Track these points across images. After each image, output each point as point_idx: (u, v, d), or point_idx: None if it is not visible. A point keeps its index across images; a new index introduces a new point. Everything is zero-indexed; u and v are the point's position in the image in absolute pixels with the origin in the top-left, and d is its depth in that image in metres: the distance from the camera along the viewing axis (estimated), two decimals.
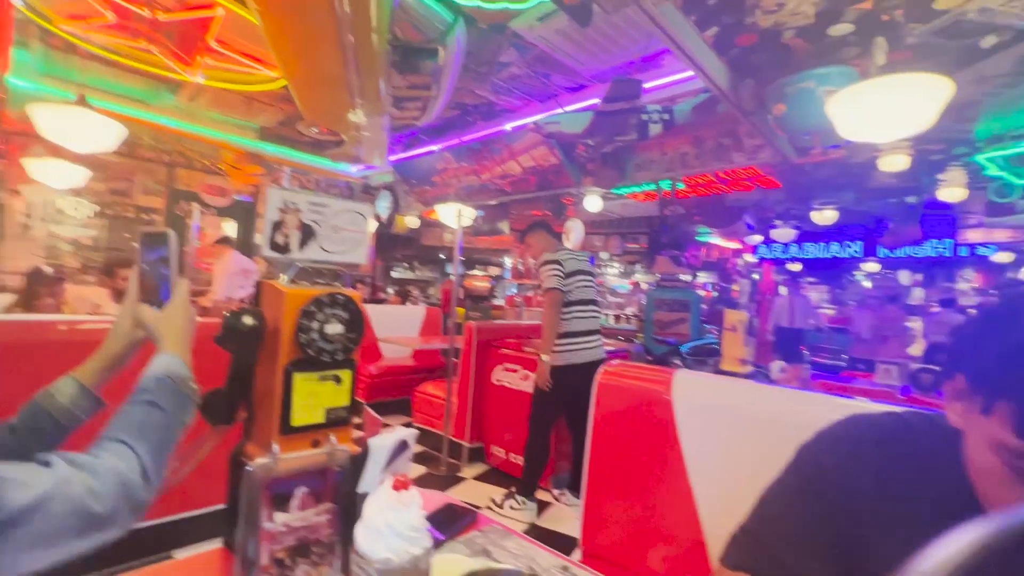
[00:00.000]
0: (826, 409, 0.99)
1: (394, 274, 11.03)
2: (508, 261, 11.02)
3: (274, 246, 0.70)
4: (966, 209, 6.39)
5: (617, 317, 8.60)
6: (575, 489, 2.67)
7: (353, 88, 2.77)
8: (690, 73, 3.12)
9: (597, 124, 3.23)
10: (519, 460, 3.20)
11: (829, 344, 6.24)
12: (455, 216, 3.58)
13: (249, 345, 0.66)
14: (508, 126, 5.22)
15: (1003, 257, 7.71)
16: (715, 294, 9.13)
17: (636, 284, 10.58)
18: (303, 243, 0.72)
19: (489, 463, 3.41)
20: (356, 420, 0.76)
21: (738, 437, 1.20)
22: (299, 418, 0.67)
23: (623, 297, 9.76)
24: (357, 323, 0.71)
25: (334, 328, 0.67)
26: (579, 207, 6.51)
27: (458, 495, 2.92)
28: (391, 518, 0.57)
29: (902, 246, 7.80)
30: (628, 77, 2.96)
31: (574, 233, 6.18)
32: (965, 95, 2.66)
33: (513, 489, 2.80)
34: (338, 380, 0.70)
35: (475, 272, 12.19)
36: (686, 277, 8.72)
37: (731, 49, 2.60)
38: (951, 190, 4.04)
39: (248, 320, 0.65)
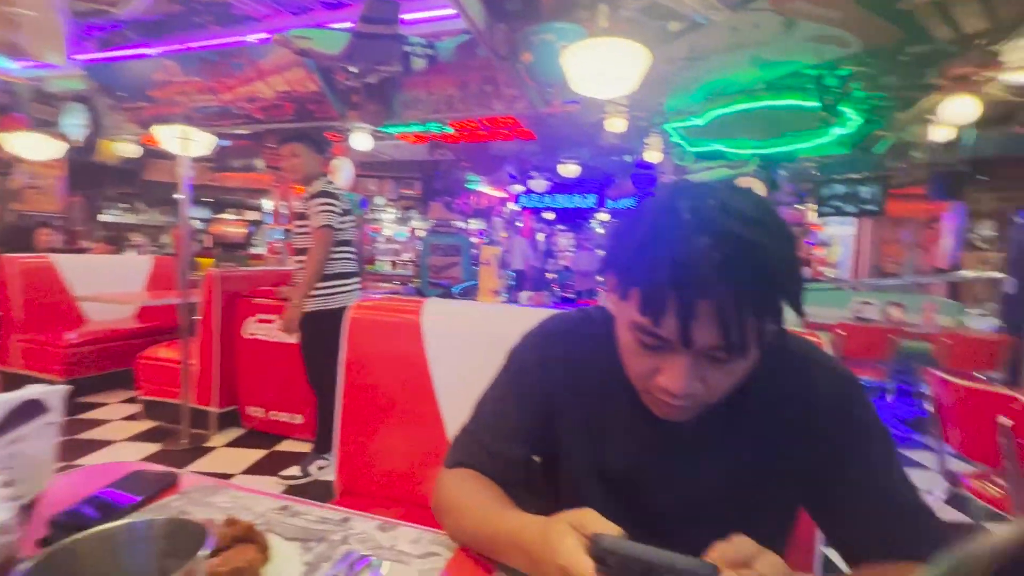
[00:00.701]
0: (545, 316, 1.12)
1: (106, 217, 8.57)
2: (268, 203, 9.67)
3: None
4: (663, 169, 8.21)
5: (394, 263, 8.52)
6: (319, 448, 2.52)
7: None
8: (451, 11, 3.09)
9: (355, 47, 2.95)
10: (283, 417, 2.95)
11: (567, 280, 7.50)
12: (180, 141, 2.89)
13: None
14: (252, 37, 4.40)
15: None
16: (487, 240, 9.82)
17: (412, 231, 10.60)
18: None
19: (245, 426, 3.05)
20: None
21: (478, 354, 1.28)
22: None
23: (400, 244, 9.69)
24: None
25: None
26: (347, 145, 6.04)
27: (208, 467, 2.55)
28: None
29: (623, 198, 9.62)
30: None
31: (342, 172, 5.73)
32: (659, 71, 3.31)
33: (311, 451, 2.56)
34: None
35: (226, 216, 10.38)
36: (459, 223, 9.14)
37: None
38: (652, 152, 5.10)
39: None
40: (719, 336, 0.48)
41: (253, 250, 9.34)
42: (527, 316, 1.28)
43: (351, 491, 1.34)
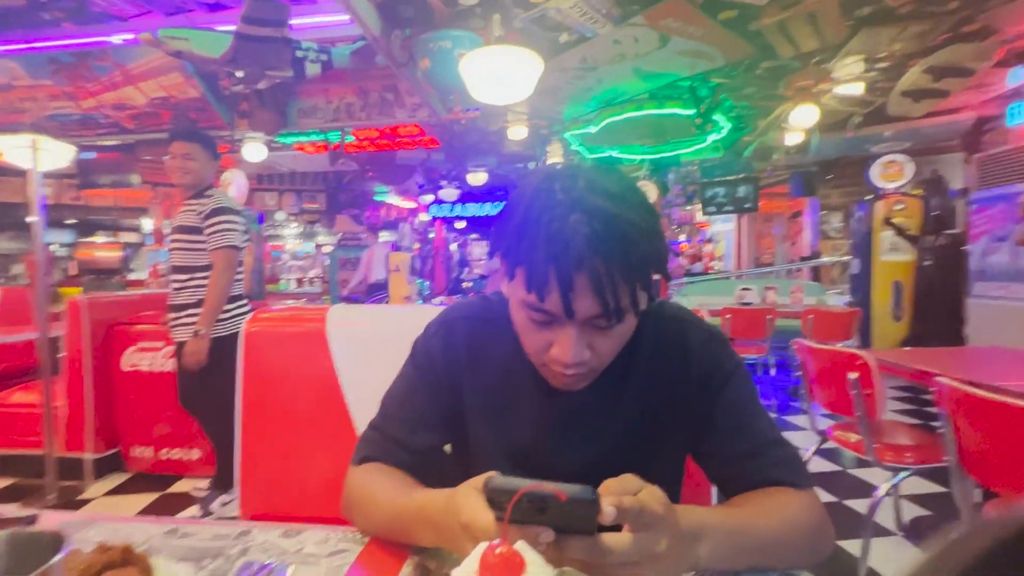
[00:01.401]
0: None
1: None
2: (148, 223, 8.70)
3: None
4: None
5: (300, 281, 8.05)
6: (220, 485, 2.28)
7: None
8: (345, 17, 3.01)
9: (239, 50, 2.77)
10: (176, 454, 2.66)
11: (481, 288, 7.56)
12: (29, 153, 2.53)
13: None
14: (116, 38, 3.97)
15: None
16: (394, 247, 9.59)
17: (319, 247, 10.08)
18: None
19: (131, 469, 2.70)
20: None
21: (389, 357, 1.27)
22: None
23: (304, 260, 9.17)
24: None
25: None
26: (238, 156, 5.63)
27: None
28: None
29: None
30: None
31: (235, 186, 5.34)
32: (554, 80, 3.49)
33: (208, 487, 2.30)
34: None
35: (96, 239, 9.17)
36: (369, 236, 8.84)
37: None
38: (553, 159, 5.33)
39: None
40: (598, 306, 0.52)
41: (132, 275, 8.34)
42: (434, 314, 1.29)
43: (253, 509, 1.25)
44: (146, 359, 2.66)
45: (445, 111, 3.94)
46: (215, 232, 2.06)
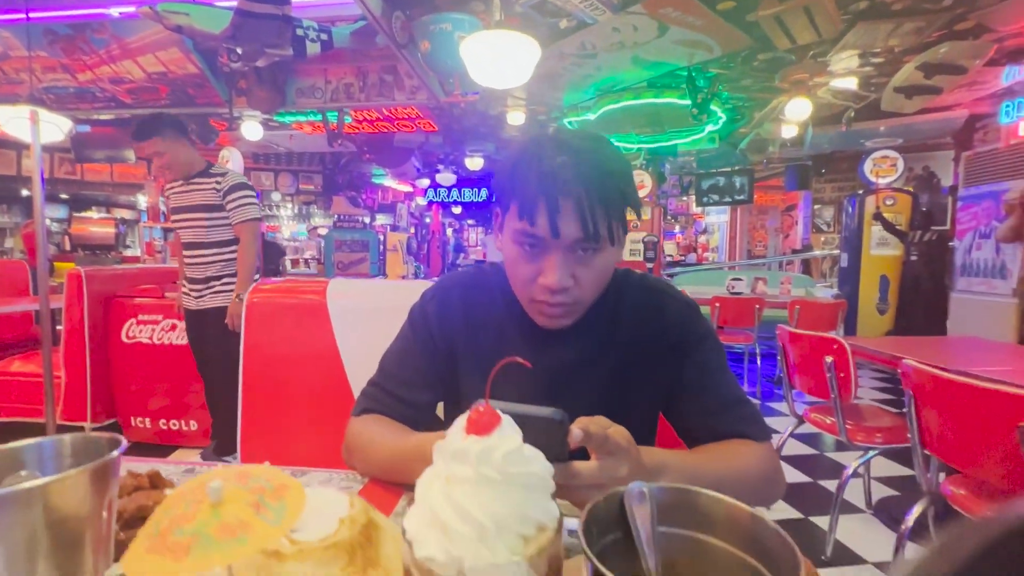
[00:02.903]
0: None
1: None
2: (143, 200, 8.65)
3: None
4: None
5: (295, 262, 8.06)
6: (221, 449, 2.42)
7: None
8: None
9: (239, 27, 2.77)
10: (175, 425, 2.73)
11: None
12: (26, 124, 2.54)
13: None
14: (114, 10, 3.94)
15: None
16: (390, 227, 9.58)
17: (315, 228, 10.06)
18: None
19: (129, 440, 2.76)
20: None
21: (386, 326, 1.33)
22: None
23: (300, 242, 9.16)
24: None
25: None
26: (236, 135, 5.62)
27: None
28: None
29: None
30: None
31: (230, 164, 5.33)
32: (553, 66, 3.52)
33: (211, 451, 2.44)
34: None
35: (90, 214, 9.11)
36: (365, 219, 8.85)
37: None
38: None
39: None
40: (580, 229, 0.61)
41: (127, 252, 8.31)
42: (419, 286, 1.35)
43: None
44: (146, 331, 2.71)
45: (444, 94, 3.95)
46: (238, 207, 2.22)
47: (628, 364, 0.73)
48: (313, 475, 0.72)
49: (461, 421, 0.36)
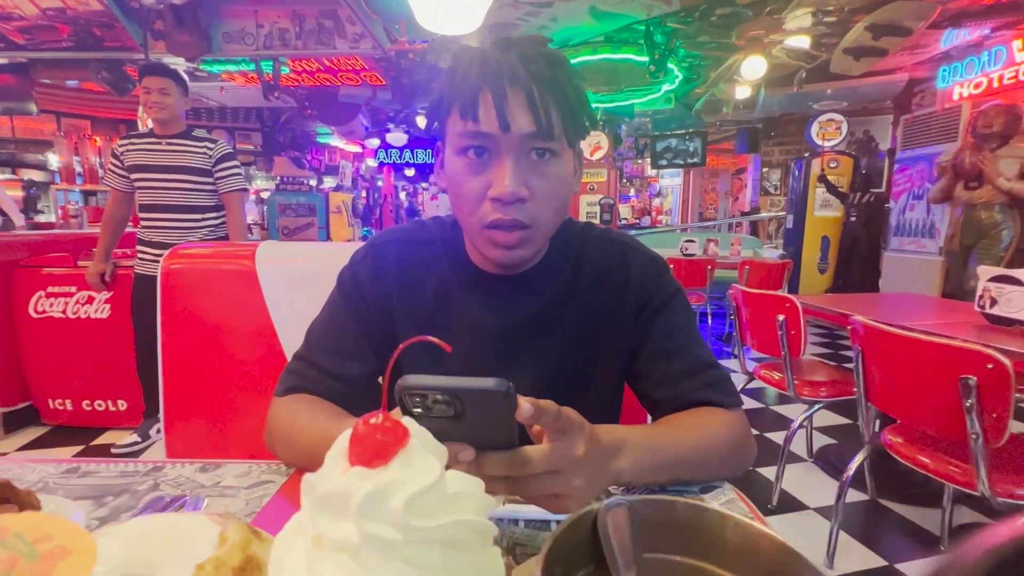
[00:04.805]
0: None
1: None
2: (54, 158, 7.78)
3: None
4: None
5: None
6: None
7: None
8: None
9: None
10: (101, 405, 2.50)
11: None
12: None
13: None
14: None
15: None
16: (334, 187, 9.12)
17: (256, 192, 9.41)
18: None
19: (47, 423, 2.53)
20: None
21: (322, 292, 1.21)
22: None
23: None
24: None
25: None
26: None
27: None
28: None
29: None
30: None
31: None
32: (505, 15, 3.31)
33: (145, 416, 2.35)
34: None
35: None
36: (311, 181, 8.35)
37: None
38: None
39: None
40: (532, 122, 0.53)
41: (40, 217, 7.51)
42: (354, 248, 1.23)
43: (178, 450, 1.20)
44: (58, 304, 2.43)
45: (390, 42, 3.66)
46: (228, 176, 2.20)
47: (589, 325, 0.65)
48: (228, 468, 0.62)
49: (342, 441, 0.24)
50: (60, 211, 7.13)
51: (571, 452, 0.40)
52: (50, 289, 2.43)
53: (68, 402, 2.50)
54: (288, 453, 0.61)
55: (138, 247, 2.20)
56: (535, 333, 0.65)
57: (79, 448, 2.33)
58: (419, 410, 0.32)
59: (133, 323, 2.24)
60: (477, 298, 0.65)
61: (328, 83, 5.14)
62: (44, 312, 2.44)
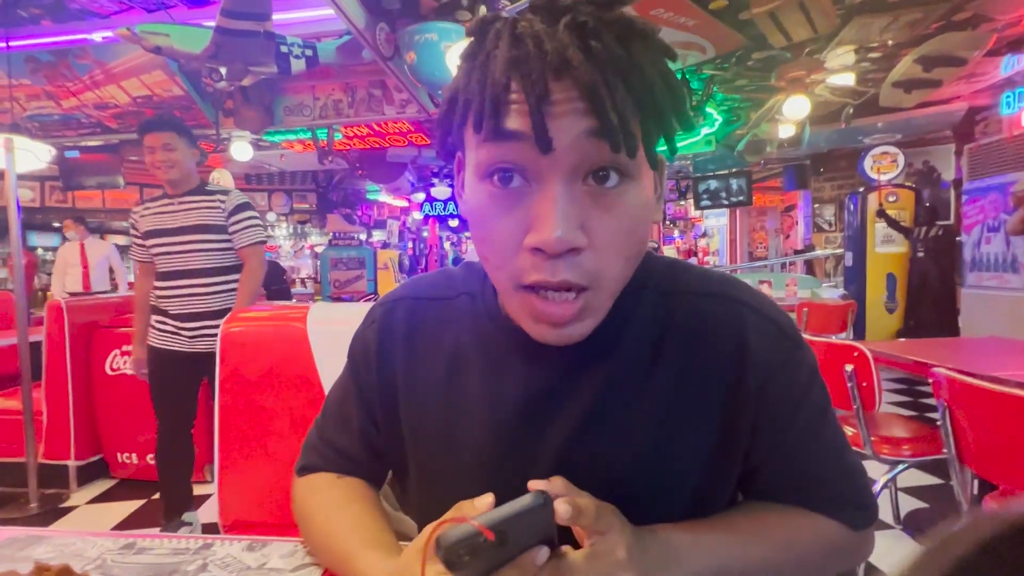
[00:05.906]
0: None
1: None
2: None
3: None
4: None
5: (291, 282, 7.98)
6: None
7: None
8: (329, 11, 2.96)
9: (220, 45, 2.71)
10: None
11: None
12: (2, 153, 2.46)
13: None
14: (97, 36, 3.89)
15: None
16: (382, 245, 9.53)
17: (312, 247, 9.98)
18: None
19: (116, 476, 2.65)
20: None
21: None
22: None
23: (294, 261, 9.10)
24: None
25: None
26: (226, 156, 5.56)
27: (70, 527, 2.16)
28: None
29: None
30: None
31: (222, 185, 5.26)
32: None
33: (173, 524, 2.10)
34: None
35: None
36: (361, 235, 8.79)
37: None
38: None
39: None
40: (593, 118, 0.34)
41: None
42: None
43: (232, 521, 1.21)
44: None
45: (434, 106, 3.89)
46: (245, 228, 1.93)
47: (676, 409, 0.44)
48: (274, 547, 0.61)
49: None
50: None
51: (613, 556, 0.36)
52: (124, 348, 2.61)
53: (134, 455, 2.62)
54: (305, 541, 0.59)
55: (154, 317, 1.96)
56: (594, 419, 0.45)
57: (143, 502, 2.41)
58: (466, 557, 0.30)
59: (154, 404, 2.01)
60: (510, 369, 0.46)
61: (377, 146, 5.48)
62: (118, 370, 2.61)
